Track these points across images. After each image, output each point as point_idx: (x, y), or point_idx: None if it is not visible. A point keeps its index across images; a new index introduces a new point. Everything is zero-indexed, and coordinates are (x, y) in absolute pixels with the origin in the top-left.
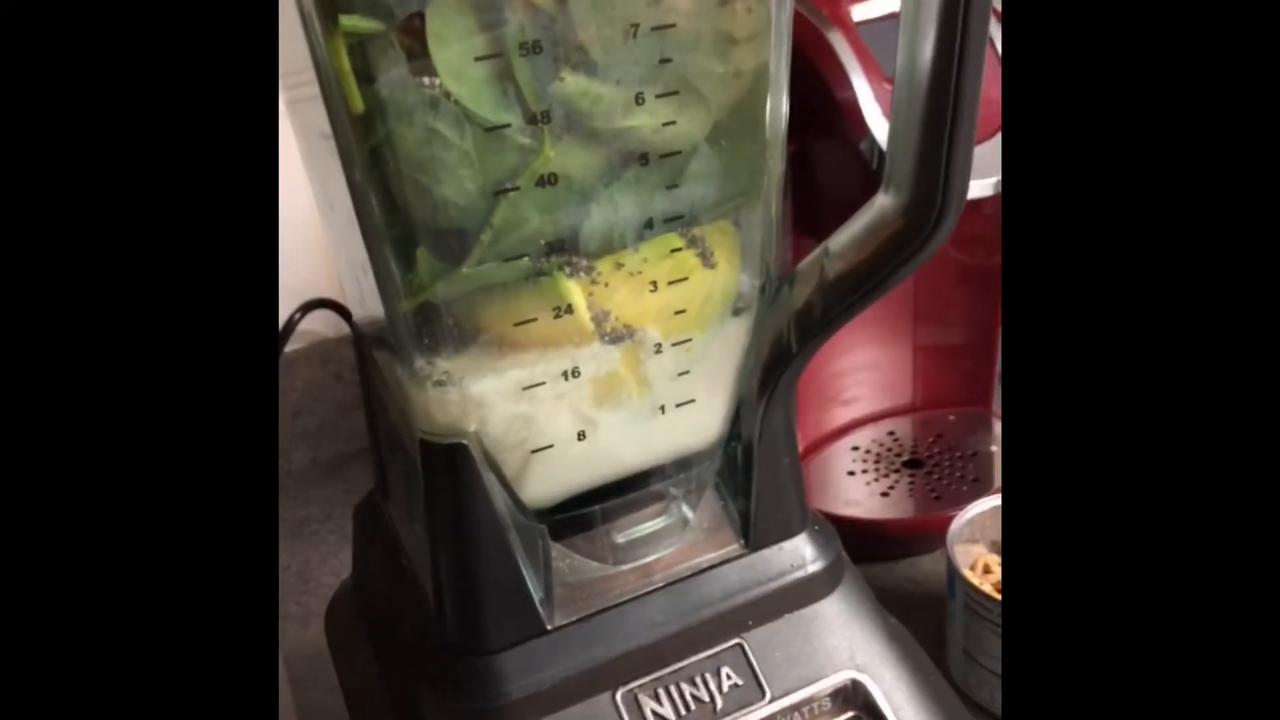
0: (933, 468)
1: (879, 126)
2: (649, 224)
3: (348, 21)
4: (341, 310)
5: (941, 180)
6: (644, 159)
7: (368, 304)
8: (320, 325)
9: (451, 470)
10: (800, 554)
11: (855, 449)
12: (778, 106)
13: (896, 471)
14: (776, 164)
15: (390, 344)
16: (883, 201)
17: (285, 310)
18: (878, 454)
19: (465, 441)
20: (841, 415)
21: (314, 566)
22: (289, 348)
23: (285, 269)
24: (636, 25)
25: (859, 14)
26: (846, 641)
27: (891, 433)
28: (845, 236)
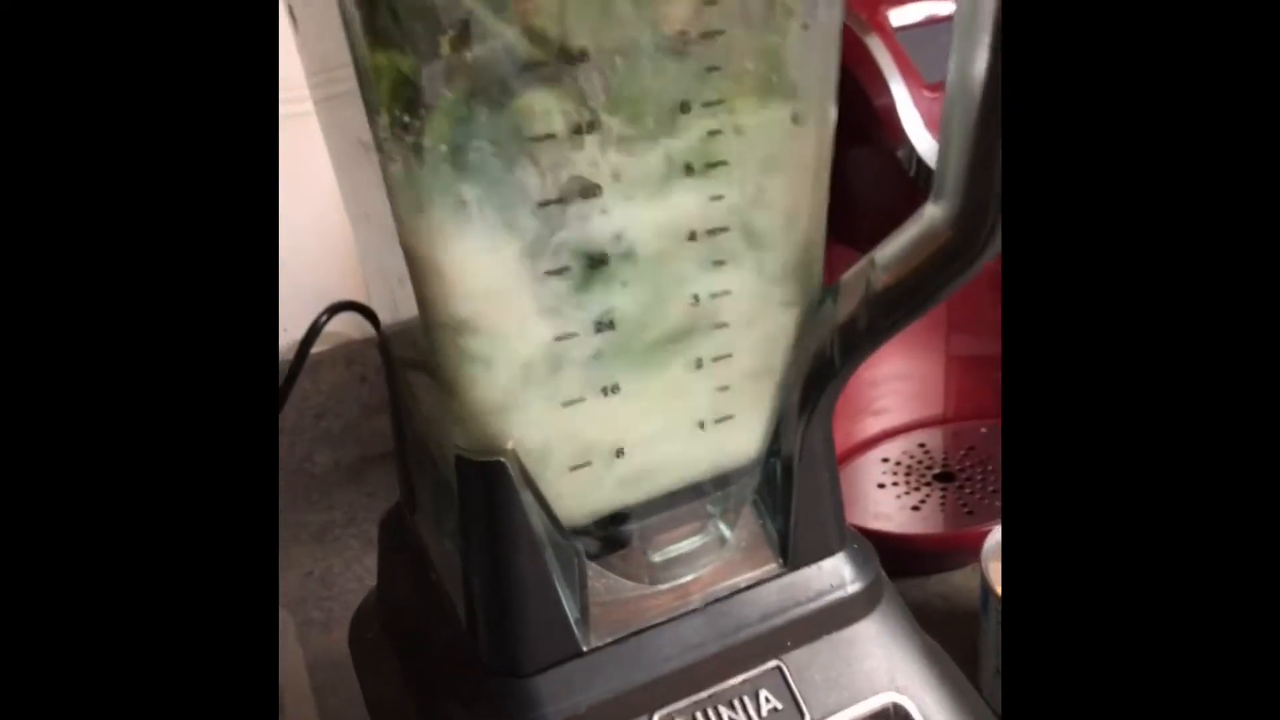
0: (964, 481)
1: (917, 133)
2: (692, 236)
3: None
4: (368, 313)
5: (995, 190)
6: (689, 169)
7: (400, 313)
8: (345, 326)
9: (488, 488)
10: (839, 573)
11: (885, 461)
12: (826, 114)
13: (928, 484)
14: (824, 172)
15: (426, 358)
16: (932, 212)
17: (312, 312)
18: (908, 466)
19: (502, 459)
20: (871, 426)
21: (337, 572)
22: (314, 349)
23: (311, 271)
24: (685, 32)
25: (897, 19)
26: (886, 663)
27: (922, 444)
28: (892, 248)
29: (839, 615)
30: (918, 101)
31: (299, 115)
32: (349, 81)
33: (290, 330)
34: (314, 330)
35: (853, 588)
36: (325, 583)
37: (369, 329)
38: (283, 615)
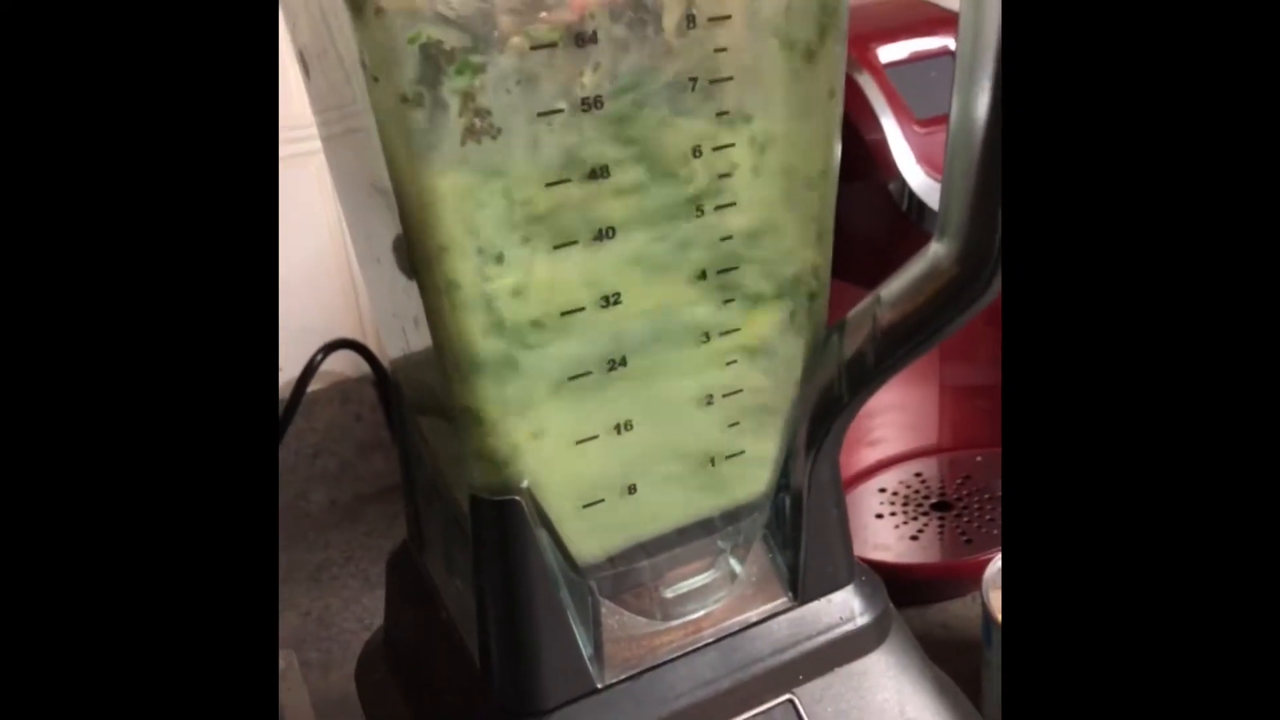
0: (961, 510)
1: (908, 168)
2: (702, 274)
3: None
4: (363, 351)
5: (999, 227)
6: (699, 209)
7: (414, 356)
8: (340, 365)
9: (503, 526)
10: (849, 606)
11: (883, 491)
12: (831, 151)
13: (925, 514)
14: (829, 208)
15: (439, 398)
16: (936, 249)
17: (307, 350)
18: (905, 496)
19: (518, 497)
20: (868, 456)
21: (335, 612)
22: (309, 388)
23: (306, 309)
24: (695, 79)
25: (886, 56)
26: (897, 695)
27: (919, 474)
28: (898, 285)
29: (849, 648)
30: (908, 136)
31: (296, 156)
32: (362, 119)
33: (286, 369)
34: (310, 369)
35: (862, 620)
36: (323, 623)
37: (364, 367)
38: (287, 654)
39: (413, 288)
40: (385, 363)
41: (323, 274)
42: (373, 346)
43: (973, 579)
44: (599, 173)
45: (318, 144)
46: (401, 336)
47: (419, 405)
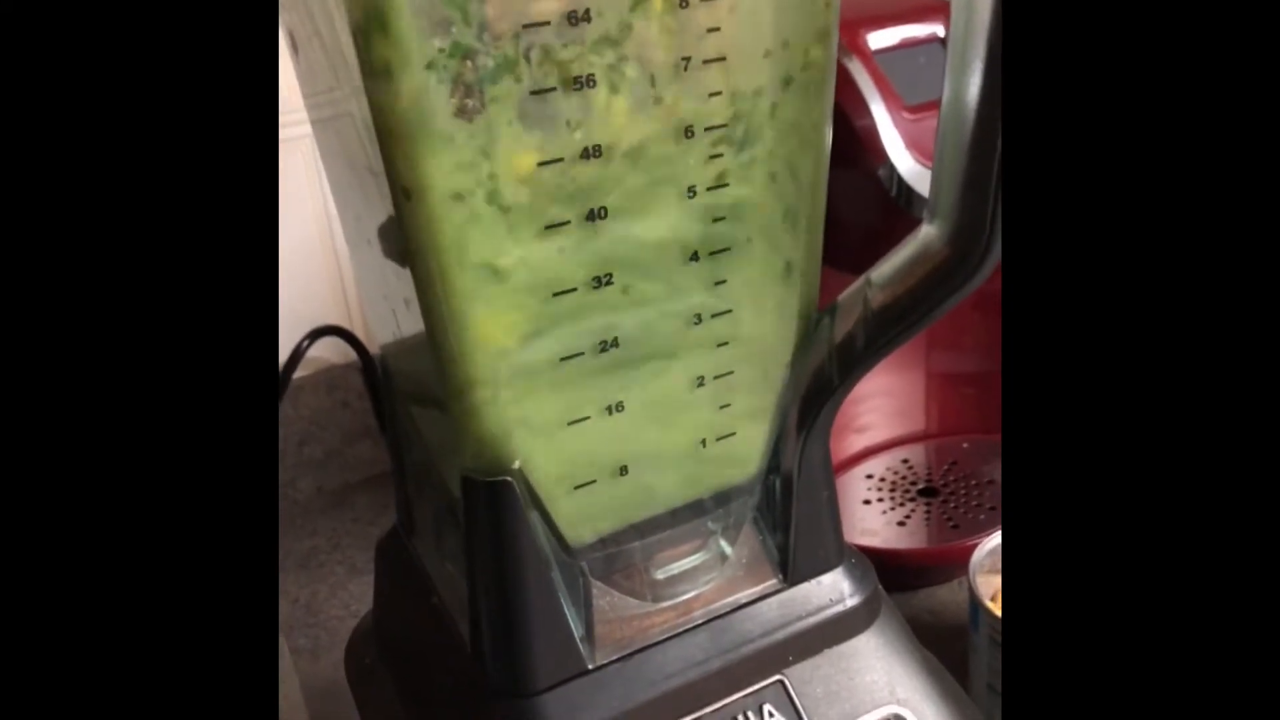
0: (948, 496)
1: (898, 154)
2: (694, 256)
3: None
4: (350, 338)
5: (989, 208)
6: (691, 191)
7: (405, 338)
8: (326, 351)
9: (495, 508)
10: (839, 588)
11: (870, 477)
12: (822, 135)
13: (912, 500)
14: (821, 192)
15: (430, 381)
16: (927, 231)
17: (293, 337)
18: (893, 482)
19: (509, 478)
20: (855, 443)
21: (322, 598)
22: (295, 375)
23: (293, 296)
24: (688, 59)
25: (876, 42)
26: (886, 676)
27: (905, 460)
28: (888, 267)
29: (839, 629)
30: (898, 122)
31: (283, 141)
32: (352, 99)
33: None
34: (296, 355)
35: (852, 602)
36: (311, 610)
37: (350, 354)
38: (279, 642)
39: (404, 270)
40: (372, 349)
41: (309, 260)
42: (359, 333)
43: (960, 564)
44: (591, 153)
45: (305, 129)
46: (391, 319)
47: (409, 388)
